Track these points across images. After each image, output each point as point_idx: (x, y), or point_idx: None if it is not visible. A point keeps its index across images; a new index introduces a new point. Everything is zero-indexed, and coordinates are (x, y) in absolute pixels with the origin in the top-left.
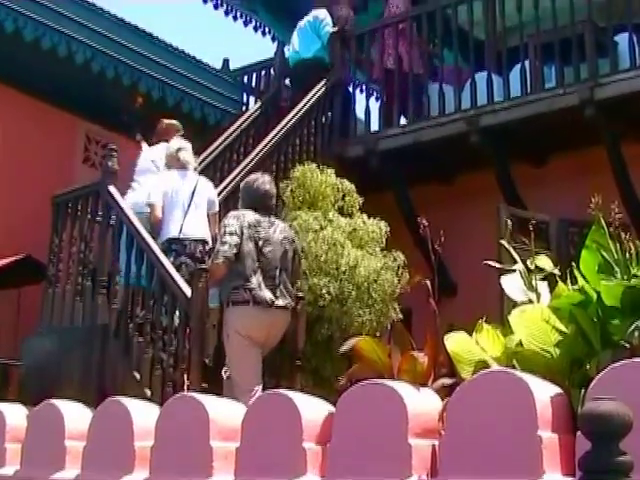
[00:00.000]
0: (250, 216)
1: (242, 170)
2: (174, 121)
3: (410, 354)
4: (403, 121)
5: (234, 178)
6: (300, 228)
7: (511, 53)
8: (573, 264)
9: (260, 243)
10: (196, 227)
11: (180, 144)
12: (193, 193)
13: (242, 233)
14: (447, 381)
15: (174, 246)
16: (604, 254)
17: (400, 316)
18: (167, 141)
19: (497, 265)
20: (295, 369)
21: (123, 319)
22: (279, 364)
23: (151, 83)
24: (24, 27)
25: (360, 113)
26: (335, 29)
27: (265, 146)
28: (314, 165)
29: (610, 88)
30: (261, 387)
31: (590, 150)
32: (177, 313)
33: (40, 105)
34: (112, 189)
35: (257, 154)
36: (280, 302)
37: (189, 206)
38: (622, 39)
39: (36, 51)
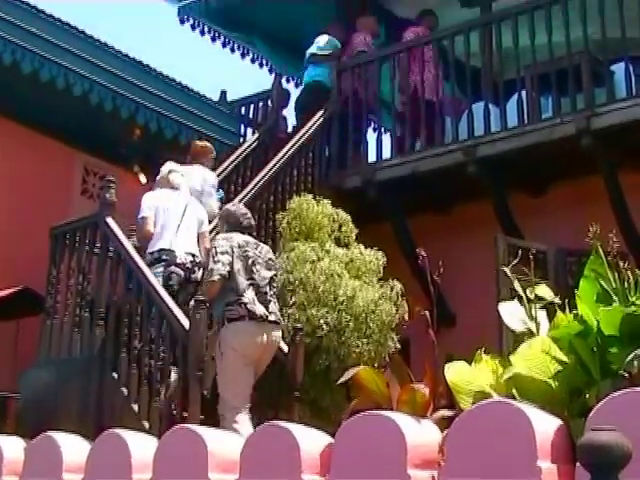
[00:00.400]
0: (238, 237)
1: (240, 201)
2: (207, 143)
3: (409, 385)
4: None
5: None
6: (297, 259)
7: (508, 84)
8: (572, 293)
9: (249, 262)
10: (186, 242)
11: (171, 167)
12: (184, 212)
13: (233, 252)
14: (447, 413)
15: (164, 256)
16: (602, 283)
17: (398, 346)
18: (202, 163)
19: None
20: (293, 400)
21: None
22: (277, 395)
23: (149, 115)
24: (22, 59)
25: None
26: (327, 52)
27: (263, 178)
28: (310, 196)
29: (607, 117)
30: (248, 407)
31: (587, 179)
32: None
33: (38, 137)
34: (110, 221)
35: (255, 186)
36: (273, 317)
37: (180, 223)
38: (618, 68)
39: (34, 83)
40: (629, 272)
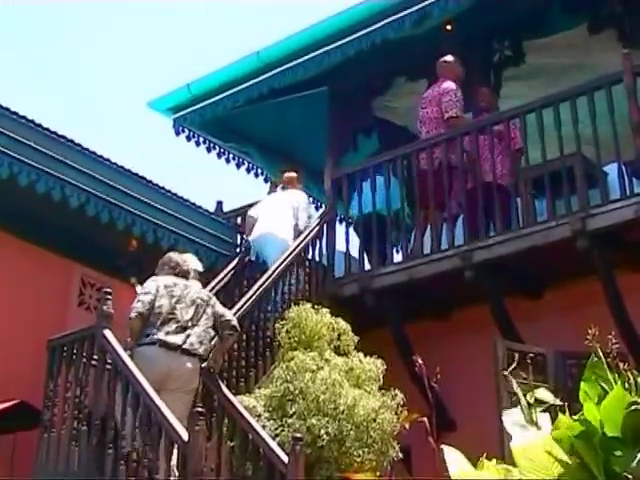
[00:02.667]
0: (166, 279)
1: (237, 311)
2: (293, 173)
3: None
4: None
5: None
6: (297, 368)
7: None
8: (572, 396)
9: (173, 300)
10: None
11: None
12: None
13: (157, 291)
14: None
15: None
16: (603, 385)
17: (400, 455)
18: (294, 187)
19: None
20: None
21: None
22: None
23: (145, 226)
24: (19, 172)
25: (353, 251)
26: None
27: (260, 287)
28: (309, 305)
29: (602, 218)
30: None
31: (585, 281)
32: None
33: (34, 249)
34: (107, 333)
35: (252, 295)
36: (187, 346)
37: None
38: (611, 169)
39: (30, 196)
40: (629, 373)
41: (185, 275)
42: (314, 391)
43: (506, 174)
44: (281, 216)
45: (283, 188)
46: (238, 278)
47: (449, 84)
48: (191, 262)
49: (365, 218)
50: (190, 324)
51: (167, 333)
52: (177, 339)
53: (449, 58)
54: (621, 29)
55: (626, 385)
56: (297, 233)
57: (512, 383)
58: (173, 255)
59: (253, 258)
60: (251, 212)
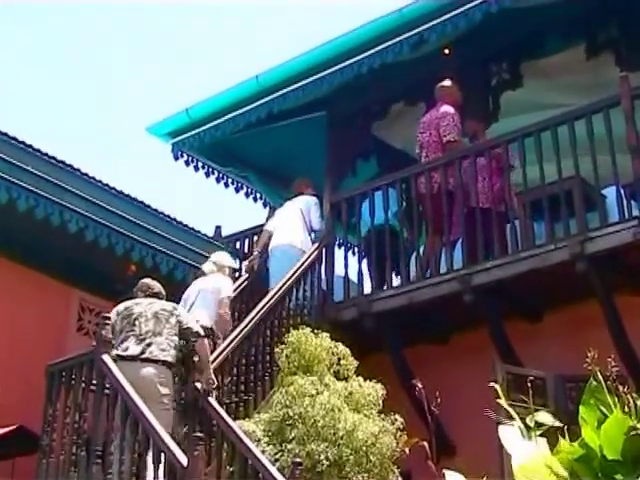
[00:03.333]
0: (128, 302)
1: (237, 335)
2: (304, 179)
3: None
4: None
5: (229, 343)
6: (296, 393)
7: (501, 211)
8: (573, 420)
9: (133, 317)
10: (196, 315)
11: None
12: (197, 294)
13: (117, 315)
14: None
15: None
16: (603, 409)
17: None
18: (303, 193)
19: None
20: None
21: None
22: None
23: (144, 251)
24: (18, 197)
25: (352, 275)
26: None
27: (259, 311)
28: (308, 329)
29: (600, 241)
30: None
31: (584, 304)
32: None
33: (33, 274)
34: (106, 358)
35: (251, 319)
36: (148, 355)
37: (194, 301)
38: (610, 192)
39: (29, 221)
40: (629, 396)
41: (156, 296)
42: (313, 416)
43: (500, 197)
44: (293, 223)
45: (296, 193)
46: (237, 302)
47: (447, 108)
48: (225, 259)
49: (365, 240)
50: (151, 334)
51: (126, 348)
52: (135, 350)
53: (447, 83)
54: (618, 52)
55: (626, 409)
56: (312, 234)
57: (511, 407)
58: (145, 280)
59: (269, 267)
60: (267, 226)
